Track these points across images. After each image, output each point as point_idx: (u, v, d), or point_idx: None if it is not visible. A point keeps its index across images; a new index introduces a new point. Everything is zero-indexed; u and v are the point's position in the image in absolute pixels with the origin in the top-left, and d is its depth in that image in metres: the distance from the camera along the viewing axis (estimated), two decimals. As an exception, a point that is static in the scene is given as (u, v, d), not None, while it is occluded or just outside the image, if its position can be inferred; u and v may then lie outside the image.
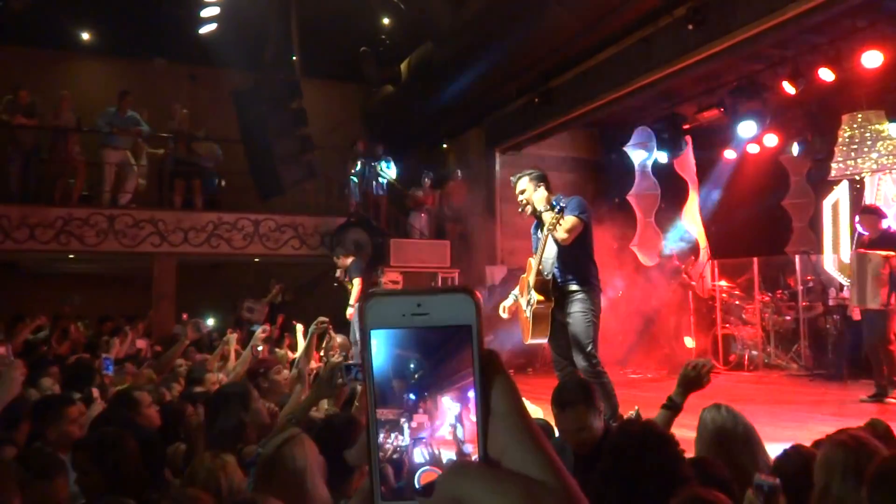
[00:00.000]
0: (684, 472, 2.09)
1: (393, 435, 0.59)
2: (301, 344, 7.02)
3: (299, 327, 7.82)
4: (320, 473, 2.58)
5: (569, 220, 4.91)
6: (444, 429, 0.59)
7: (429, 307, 0.58)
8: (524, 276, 5.27)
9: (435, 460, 0.59)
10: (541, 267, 5.02)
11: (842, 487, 2.09)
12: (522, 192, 5.29)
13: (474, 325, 0.58)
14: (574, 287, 5.00)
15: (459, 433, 0.59)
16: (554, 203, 5.05)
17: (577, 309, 4.94)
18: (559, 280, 5.04)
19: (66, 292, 13.40)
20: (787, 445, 2.86)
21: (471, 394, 0.58)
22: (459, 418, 0.59)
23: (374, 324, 0.59)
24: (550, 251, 5.02)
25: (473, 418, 0.58)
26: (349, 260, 10.19)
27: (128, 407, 3.96)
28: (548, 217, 4.89)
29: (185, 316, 11.54)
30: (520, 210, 5.41)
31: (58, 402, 3.96)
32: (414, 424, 0.59)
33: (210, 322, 12.18)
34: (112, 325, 12.39)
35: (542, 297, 4.96)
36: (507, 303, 5.36)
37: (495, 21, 10.68)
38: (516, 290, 5.34)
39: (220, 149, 13.56)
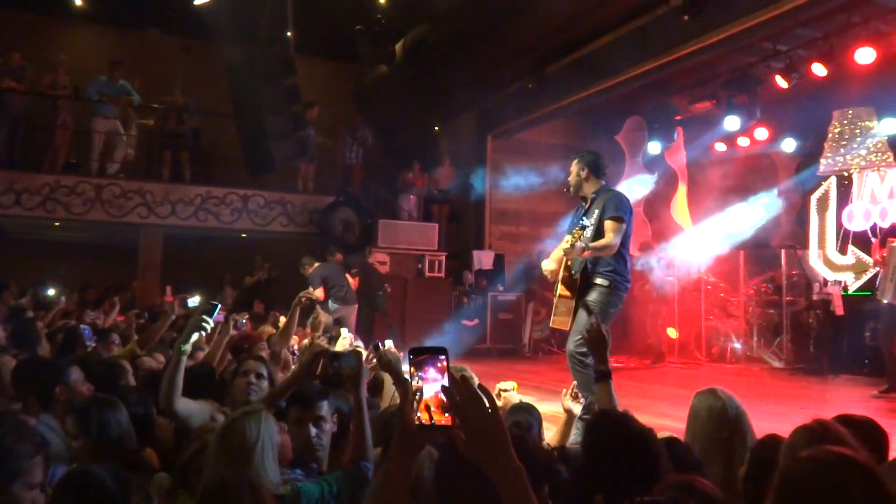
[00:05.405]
0: (660, 456, 2.10)
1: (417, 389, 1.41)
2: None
3: (282, 319, 7.47)
4: (275, 453, 2.47)
5: (606, 238, 4.91)
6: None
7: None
8: (559, 248, 5.16)
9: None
10: (570, 262, 5.05)
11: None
12: (570, 172, 5.31)
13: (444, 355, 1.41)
14: (598, 280, 5.04)
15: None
16: (578, 221, 5.10)
17: (591, 299, 5.00)
18: (588, 270, 5.07)
19: (51, 260, 13.32)
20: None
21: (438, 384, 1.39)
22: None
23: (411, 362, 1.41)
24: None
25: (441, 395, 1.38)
26: (312, 269, 10.12)
27: (111, 376, 3.96)
28: (568, 237, 4.89)
29: (168, 289, 11.44)
30: (564, 190, 5.43)
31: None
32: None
33: (196, 300, 12.03)
34: (94, 294, 12.31)
35: (567, 293, 5.06)
36: (547, 267, 5.27)
37: (492, 4, 10.62)
38: (550, 262, 5.25)
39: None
